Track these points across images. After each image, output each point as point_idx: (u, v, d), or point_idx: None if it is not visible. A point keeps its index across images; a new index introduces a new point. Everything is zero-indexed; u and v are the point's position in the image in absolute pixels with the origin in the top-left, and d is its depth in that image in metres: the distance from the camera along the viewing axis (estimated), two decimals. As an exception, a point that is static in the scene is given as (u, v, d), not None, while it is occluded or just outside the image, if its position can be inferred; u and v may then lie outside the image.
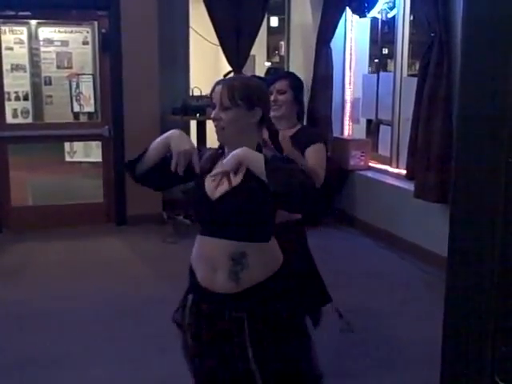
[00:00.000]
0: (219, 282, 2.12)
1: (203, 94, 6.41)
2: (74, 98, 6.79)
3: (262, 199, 2.07)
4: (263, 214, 2.13)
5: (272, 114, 2.85)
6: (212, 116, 2.15)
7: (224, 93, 2.10)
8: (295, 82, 3.15)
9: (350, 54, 6.88)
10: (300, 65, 7.09)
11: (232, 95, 2.09)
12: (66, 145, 7.41)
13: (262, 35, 7.84)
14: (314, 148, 3.03)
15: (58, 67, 6.76)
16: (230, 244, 2.09)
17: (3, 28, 6.39)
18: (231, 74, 6.47)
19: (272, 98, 3.04)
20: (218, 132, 2.16)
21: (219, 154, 2.22)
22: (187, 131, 6.78)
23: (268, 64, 8.95)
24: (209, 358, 2.19)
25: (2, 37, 6.33)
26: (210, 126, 5.92)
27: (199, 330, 2.20)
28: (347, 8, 6.48)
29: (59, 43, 6.72)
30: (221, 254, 2.10)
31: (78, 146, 7.46)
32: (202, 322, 2.19)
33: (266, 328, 2.12)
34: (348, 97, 6.95)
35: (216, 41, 6.74)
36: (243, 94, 2.09)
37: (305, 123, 4.02)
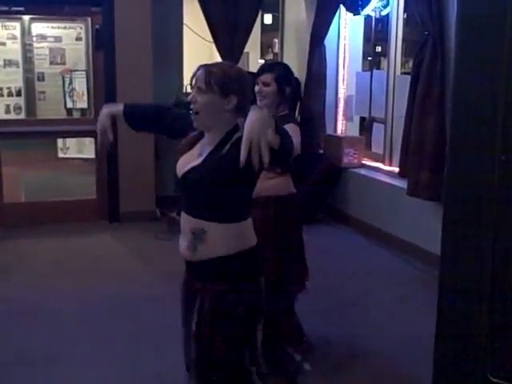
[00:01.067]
0: (182, 249, 2.28)
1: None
2: (67, 94, 6.77)
3: (221, 180, 2.16)
4: (222, 195, 2.18)
5: (259, 103, 3.16)
6: (189, 98, 2.24)
7: (201, 77, 2.19)
8: (281, 75, 3.25)
9: (344, 51, 6.88)
10: (294, 62, 7.07)
11: (208, 80, 2.17)
12: (59, 141, 7.39)
13: (256, 32, 7.84)
14: (289, 126, 3.12)
15: (51, 63, 6.74)
16: (193, 220, 2.23)
17: (-4, 23, 6.37)
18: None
19: (257, 88, 3.22)
20: (193, 116, 2.23)
21: (198, 136, 2.31)
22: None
23: (261, 61, 8.94)
24: (184, 319, 2.36)
25: (-5, 32, 6.31)
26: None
27: (182, 292, 2.39)
28: (341, 6, 6.48)
29: (52, 39, 6.70)
30: (186, 228, 2.26)
31: (70, 142, 7.44)
32: (183, 284, 2.38)
33: (211, 304, 2.21)
34: (341, 94, 6.95)
35: (210, 38, 6.73)
36: (219, 80, 2.16)
37: (298, 119, 4.04)
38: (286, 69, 3.38)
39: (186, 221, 2.27)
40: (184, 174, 2.24)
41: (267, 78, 3.23)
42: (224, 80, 2.16)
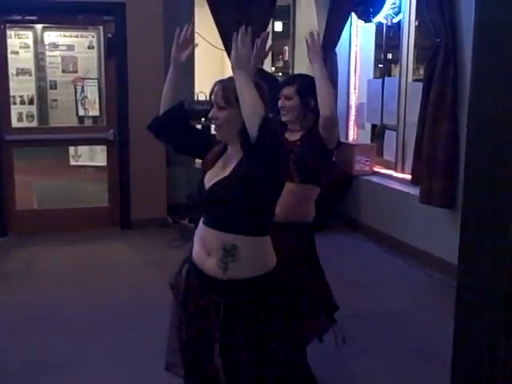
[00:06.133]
0: (209, 265, 2.24)
1: (208, 98, 6.41)
2: (79, 102, 6.81)
3: (250, 190, 2.15)
4: (251, 206, 2.19)
5: (282, 118, 3.02)
6: (209, 115, 2.28)
7: (219, 93, 2.23)
8: (303, 87, 3.08)
9: (355, 59, 6.88)
10: (305, 70, 7.03)
11: (226, 96, 2.21)
12: (71, 149, 7.43)
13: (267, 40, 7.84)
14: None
15: (64, 71, 6.78)
16: (223, 235, 2.20)
17: (9, 32, 6.41)
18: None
19: (280, 103, 3.10)
20: (216, 130, 2.29)
21: (222, 149, 2.33)
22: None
23: (272, 69, 8.95)
24: (190, 327, 2.34)
25: (8, 41, 6.34)
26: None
27: (187, 301, 2.34)
28: (352, 13, 6.48)
29: (65, 47, 6.74)
30: (214, 243, 2.22)
31: (82, 149, 7.48)
32: (189, 293, 2.33)
33: (240, 320, 2.21)
34: (353, 102, 6.94)
35: (221, 45, 6.75)
36: (237, 94, 2.16)
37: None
38: (309, 80, 3.10)
39: (213, 236, 2.24)
40: (211, 187, 2.25)
41: (289, 91, 3.08)
42: None
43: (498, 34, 1.32)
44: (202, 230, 2.30)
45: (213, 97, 2.26)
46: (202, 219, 2.32)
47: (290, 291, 2.74)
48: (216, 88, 2.26)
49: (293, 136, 3.08)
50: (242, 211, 2.18)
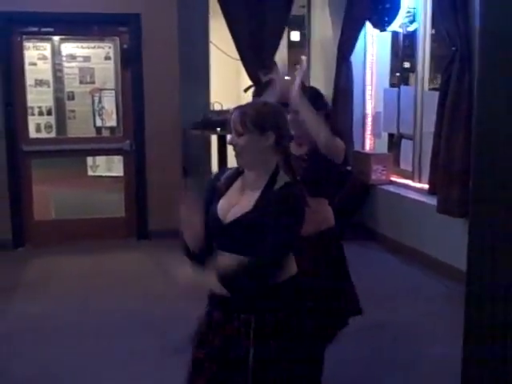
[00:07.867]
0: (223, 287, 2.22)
1: (224, 108, 6.43)
2: (96, 113, 6.85)
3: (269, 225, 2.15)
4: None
5: (292, 132, 2.98)
6: (228, 141, 2.32)
7: (237, 120, 2.25)
8: (311, 100, 3.07)
9: (371, 68, 6.86)
10: (320, 79, 7.08)
11: (244, 122, 2.23)
12: (89, 159, 7.47)
13: (283, 49, 7.85)
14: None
15: (81, 82, 6.82)
16: (239, 257, 2.21)
17: (27, 44, 6.48)
18: (252, 89, 6.48)
19: (289, 117, 3.06)
20: (235, 156, 2.30)
21: (237, 173, 2.34)
22: (208, 145, 6.80)
23: (287, 78, 8.94)
24: (211, 363, 2.29)
25: (26, 52, 6.42)
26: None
27: (206, 339, 2.33)
28: (367, 22, 6.47)
29: (82, 59, 6.79)
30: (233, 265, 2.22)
31: (100, 160, 7.51)
32: (211, 329, 2.33)
33: (273, 332, 2.21)
34: (369, 111, 6.92)
35: (237, 55, 6.77)
36: (255, 120, 2.22)
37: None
38: (314, 93, 3.21)
39: (231, 259, 2.23)
40: (229, 224, 2.24)
41: None
42: (259, 118, 2.22)
43: (502, 41, 1.31)
44: (218, 258, 2.29)
45: (231, 123, 2.27)
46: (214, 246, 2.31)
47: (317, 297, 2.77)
48: (234, 115, 2.27)
49: (300, 150, 3.09)
50: (263, 240, 2.16)
